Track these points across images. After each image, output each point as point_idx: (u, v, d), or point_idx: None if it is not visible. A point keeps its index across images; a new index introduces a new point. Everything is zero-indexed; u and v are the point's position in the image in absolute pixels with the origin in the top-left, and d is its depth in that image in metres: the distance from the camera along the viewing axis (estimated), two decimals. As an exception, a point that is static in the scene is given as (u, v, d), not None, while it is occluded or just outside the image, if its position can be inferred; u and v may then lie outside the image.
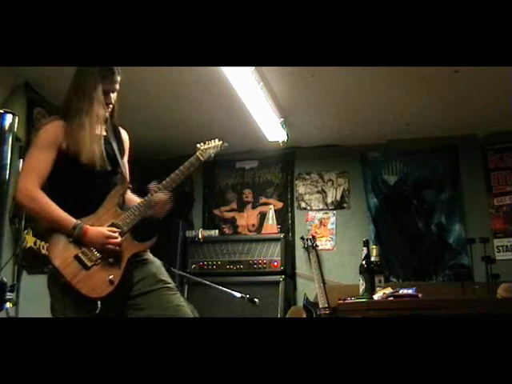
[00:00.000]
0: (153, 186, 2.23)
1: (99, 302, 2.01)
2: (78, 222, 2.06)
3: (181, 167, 2.29)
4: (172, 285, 2.18)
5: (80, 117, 2.13)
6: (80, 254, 2.04)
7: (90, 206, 2.13)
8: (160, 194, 2.20)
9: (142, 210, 2.18)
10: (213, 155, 2.40)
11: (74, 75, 2.21)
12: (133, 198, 2.30)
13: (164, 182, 2.24)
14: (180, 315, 2.09)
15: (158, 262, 2.25)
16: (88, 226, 2.07)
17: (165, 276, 2.20)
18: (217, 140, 2.44)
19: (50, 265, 2.03)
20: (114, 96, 2.22)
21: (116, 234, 2.10)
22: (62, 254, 2.04)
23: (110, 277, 2.05)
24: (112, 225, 2.13)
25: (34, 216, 2.22)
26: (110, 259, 2.08)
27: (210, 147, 2.39)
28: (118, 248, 2.09)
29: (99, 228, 2.09)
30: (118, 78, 2.22)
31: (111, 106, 2.23)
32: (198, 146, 2.39)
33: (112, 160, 2.23)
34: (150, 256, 2.24)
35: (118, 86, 2.23)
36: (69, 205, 2.08)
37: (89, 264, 2.04)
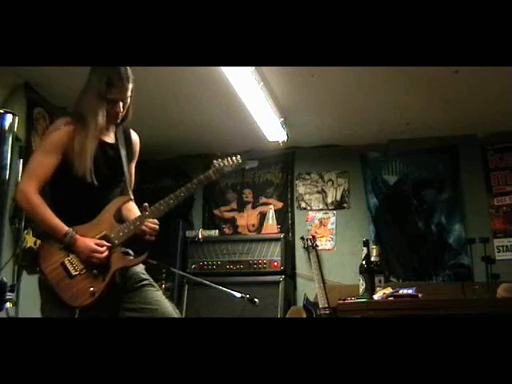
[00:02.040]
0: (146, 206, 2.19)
1: (77, 311, 2.01)
2: (70, 229, 2.06)
3: (188, 184, 2.22)
4: (154, 283, 2.21)
5: (81, 124, 2.11)
6: (66, 262, 2.05)
7: (88, 212, 2.12)
8: (151, 221, 2.16)
9: (135, 225, 2.15)
10: (228, 173, 2.30)
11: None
12: (133, 210, 2.27)
13: (163, 200, 2.19)
14: (162, 309, 2.12)
15: (140, 264, 2.24)
16: (78, 236, 2.06)
17: (147, 276, 2.21)
18: (238, 157, 2.31)
19: (38, 267, 2.06)
20: (123, 104, 2.16)
21: (103, 249, 2.08)
22: (50, 258, 2.06)
23: (91, 289, 2.04)
24: (104, 236, 2.11)
25: (31, 219, 2.22)
26: (94, 271, 2.07)
27: (227, 165, 2.28)
28: (102, 262, 2.07)
29: (88, 240, 2.07)
30: (129, 86, 2.15)
31: (121, 114, 2.18)
32: (215, 162, 2.28)
33: (116, 167, 2.21)
34: None
35: (129, 93, 2.16)
36: (66, 210, 2.08)
37: (73, 273, 2.05)
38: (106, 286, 2.07)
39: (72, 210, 2.09)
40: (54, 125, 2.22)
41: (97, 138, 2.13)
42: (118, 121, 2.22)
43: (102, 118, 2.13)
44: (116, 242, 2.12)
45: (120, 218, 2.21)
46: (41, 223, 2.11)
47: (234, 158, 2.30)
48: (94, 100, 2.12)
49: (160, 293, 2.19)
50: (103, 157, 2.17)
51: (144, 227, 2.16)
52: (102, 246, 2.08)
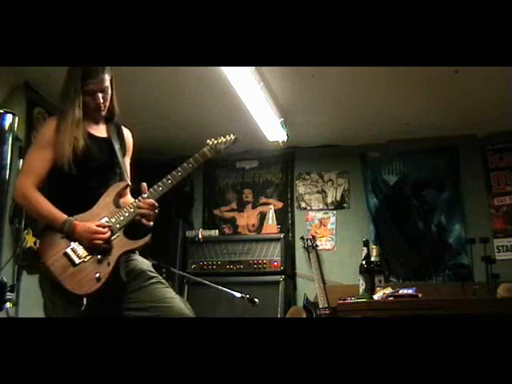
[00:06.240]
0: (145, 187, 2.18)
1: (85, 299, 1.99)
2: (69, 218, 2.05)
3: (184, 164, 2.22)
4: (163, 280, 2.17)
5: (60, 118, 2.13)
6: (69, 251, 2.04)
7: (85, 204, 2.11)
8: (148, 200, 2.14)
9: (135, 207, 2.14)
10: (223, 151, 2.28)
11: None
12: (129, 200, 2.26)
13: (161, 181, 2.18)
14: (174, 307, 2.08)
15: (146, 261, 2.22)
16: (77, 222, 2.05)
17: (155, 273, 2.18)
18: (231, 135, 2.30)
19: (41, 260, 2.05)
20: (103, 95, 2.16)
21: (105, 230, 2.07)
22: (52, 250, 2.04)
23: (97, 274, 2.02)
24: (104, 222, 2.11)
25: (30, 214, 2.22)
26: (98, 256, 2.05)
27: (221, 142, 2.27)
28: (105, 245, 2.06)
29: (88, 223, 2.06)
30: (105, 76, 2.15)
31: (103, 106, 2.18)
32: (208, 141, 2.28)
33: (110, 158, 2.21)
34: (138, 257, 2.22)
35: (107, 84, 2.16)
36: (65, 202, 2.09)
37: (77, 261, 2.03)
38: (112, 271, 2.05)
39: (70, 203, 2.09)
40: (45, 122, 2.28)
41: (75, 129, 2.12)
42: (103, 114, 2.22)
43: (78, 111, 2.12)
44: (117, 226, 2.11)
45: (119, 206, 2.19)
46: (39, 216, 2.11)
47: (227, 136, 2.29)
48: (71, 94, 2.13)
49: (170, 289, 2.14)
50: (95, 148, 2.17)
51: (143, 204, 2.13)
52: (103, 227, 2.08)
